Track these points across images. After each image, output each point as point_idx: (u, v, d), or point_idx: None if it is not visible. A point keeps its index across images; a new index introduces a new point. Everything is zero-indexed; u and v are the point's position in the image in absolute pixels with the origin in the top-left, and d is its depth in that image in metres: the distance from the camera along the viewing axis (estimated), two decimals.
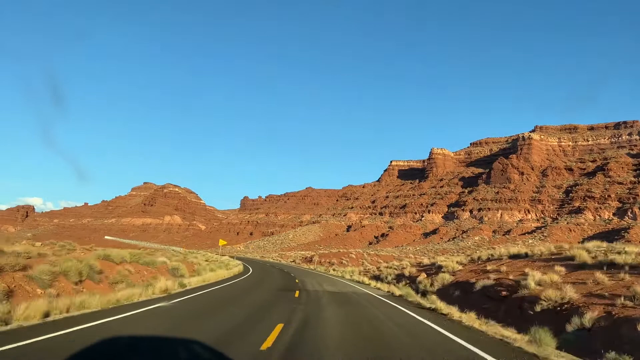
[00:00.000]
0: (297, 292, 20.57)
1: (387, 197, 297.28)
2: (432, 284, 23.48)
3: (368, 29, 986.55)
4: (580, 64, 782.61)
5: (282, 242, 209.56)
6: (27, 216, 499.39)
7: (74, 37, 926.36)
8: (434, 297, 18.67)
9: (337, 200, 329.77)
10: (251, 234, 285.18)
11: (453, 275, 23.83)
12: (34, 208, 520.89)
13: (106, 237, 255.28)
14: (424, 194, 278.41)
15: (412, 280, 28.66)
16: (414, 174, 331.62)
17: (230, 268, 40.02)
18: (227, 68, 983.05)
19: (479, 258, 28.65)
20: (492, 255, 28.73)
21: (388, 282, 30.81)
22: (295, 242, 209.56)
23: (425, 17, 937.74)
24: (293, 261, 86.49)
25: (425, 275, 27.59)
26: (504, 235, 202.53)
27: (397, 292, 21.74)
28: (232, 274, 35.15)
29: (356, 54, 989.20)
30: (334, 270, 55.06)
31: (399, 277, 31.93)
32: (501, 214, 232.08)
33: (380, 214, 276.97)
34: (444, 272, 24.95)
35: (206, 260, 57.34)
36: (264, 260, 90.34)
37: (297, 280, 30.75)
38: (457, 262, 26.92)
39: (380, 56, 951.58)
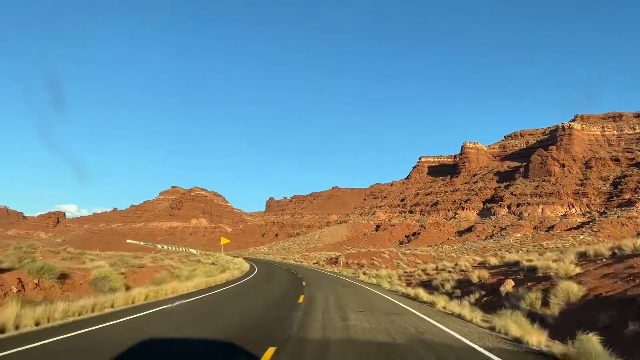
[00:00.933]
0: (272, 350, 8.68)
1: (417, 194, 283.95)
2: (545, 302, 12.93)
3: (391, 24, 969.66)
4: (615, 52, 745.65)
5: (307, 243, 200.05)
6: (58, 222, 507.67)
7: (95, 42, 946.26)
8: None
9: (364, 200, 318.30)
10: (276, 235, 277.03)
11: (579, 284, 13.22)
12: (64, 214, 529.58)
13: (128, 240, 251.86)
14: (456, 191, 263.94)
15: (488, 291, 18.19)
16: (445, 170, 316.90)
17: (224, 271, 30.52)
18: (255, 72, 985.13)
19: (597, 255, 17.93)
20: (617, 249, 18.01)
21: (449, 294, 20.26)
22: (321, 242, 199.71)
23: (451, 8, 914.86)
24: (316, 263, 76.41)
25: (513, 283, 17.04)
26: (547, 231, 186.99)
27: (514, 329, 11.16)
28: (215, 283, 25.27)
29: (381, 48, 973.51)
30: (364, 274, 44.51)
31: (462, 285, 21.37)
32: (542, 209, 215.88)
33: (411, 212, 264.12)
34: (556, 279, 14.34)
35: (212, 263, 48.35)
36: (283, 262, 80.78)
37: (301, 299, 19.39)
38: (570, 261, 16.17)
39: (407, 49, 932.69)
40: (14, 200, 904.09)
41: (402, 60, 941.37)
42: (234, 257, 65.42)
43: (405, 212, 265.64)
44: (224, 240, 42.66)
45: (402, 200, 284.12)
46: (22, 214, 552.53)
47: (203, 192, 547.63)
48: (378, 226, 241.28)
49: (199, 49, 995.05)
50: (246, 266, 51.79)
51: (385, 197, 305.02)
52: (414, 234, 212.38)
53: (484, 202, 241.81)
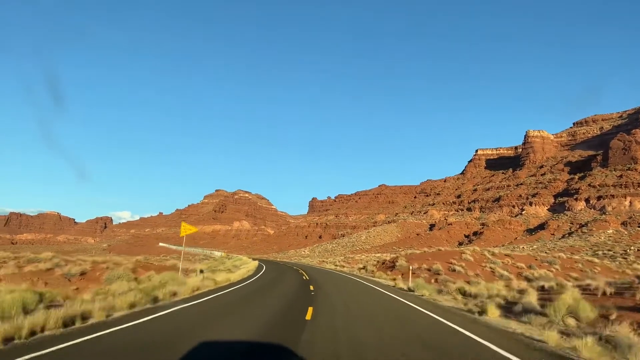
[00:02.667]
0: None
1: (475, 190, 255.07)
2: None
3: (441, 19, 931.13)
4: None
5: (353, 245, 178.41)
6: (105, 227, 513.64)
7: (132, 50, 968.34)
8: None
9: (414, 197, 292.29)
10: (320, 237, 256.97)
11: None
12: (111, 219, 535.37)
13: (160, 244, 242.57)
14: (521, 184, 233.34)
15: None
16: (505, 162, 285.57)
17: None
18: (295, 73, 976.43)
19: None
20: None
21: None
22: (368, 243, 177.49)
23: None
24: (363, 267, 55.11)
25: None
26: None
27: None
28: None
29: (433, 37, 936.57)
30: (461, 295, 22.25)
31: None
32: (630, 202, 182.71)
33: (469, 209, 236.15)
34: None
35: (200, 271, 29.50)
36: (318, 267, 60.70)
37: None
38: None
39: (461, 37, 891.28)
40: (70, 207, 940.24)
41: (459, 47, 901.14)
42: (259, 260, 45.63)
43: (462, 210, 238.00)
44: (185, 230, 21.95)
45: (458, 196, 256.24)
46: (74, 220, 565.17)
47: (247, 195, 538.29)
48: (432, 225, 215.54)
49: (233, 50, 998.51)
50: (247, 272, 32.19)
51: (438, 194, 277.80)
52: (475, 234, 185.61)
53: (556, 196, 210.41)
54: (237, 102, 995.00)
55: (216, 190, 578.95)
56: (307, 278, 34.67)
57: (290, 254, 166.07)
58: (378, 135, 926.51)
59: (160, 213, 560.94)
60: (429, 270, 36.97)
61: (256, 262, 62.07)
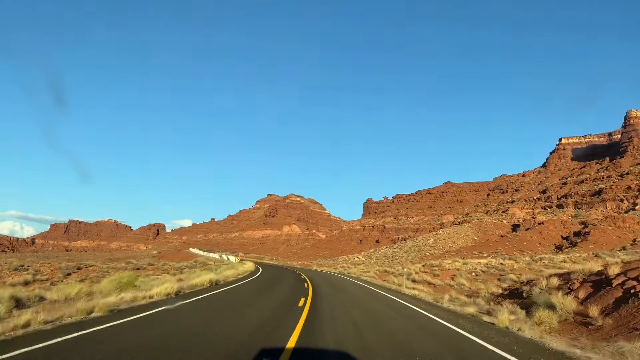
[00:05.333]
0: None
1: (565, 183, 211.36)
2: None
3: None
4: None
5: (418, 249, 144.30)
6: (157, 234, 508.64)
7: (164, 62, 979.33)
8: None
9: (487, 195, 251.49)
10: (377, 241, 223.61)
11: None
12: (164, 226, 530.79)
13: (190, 249, 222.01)
14: (626, 174, 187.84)
15: None
16: (597, 151, 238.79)
17: None
18: (352, 74, 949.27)
19: None
20: None
21: None
22: (438, 248, 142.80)
23: None
24: (492, 294, 22.99)
25: None
26: None
27: None
28: None
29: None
30: None
31: None
32: None
33: (559, 206, 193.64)
34: None
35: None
36: (379, 286, 30.43)
37: None
38: None
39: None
40: (132, 217, 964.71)
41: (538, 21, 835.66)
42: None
43: (550, 207, 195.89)
44: None
45: (543, 192, 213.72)
46: (130, 227, 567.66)
47: (298, 199, 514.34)
48: (516, 226, 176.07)
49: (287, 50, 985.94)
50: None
51: (516, 190, 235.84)
52: (576, 234, 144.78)
53: None
54: (291, 105, 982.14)
55: (268, 195, 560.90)
56: None
57: (341, 260, 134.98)
58: (436, 131, 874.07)
59: (213, 219, 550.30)
60: None
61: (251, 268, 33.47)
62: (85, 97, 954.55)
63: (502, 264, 68.05)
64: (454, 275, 43.05)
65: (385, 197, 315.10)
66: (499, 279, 42.68)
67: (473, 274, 45.76)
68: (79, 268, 69.62)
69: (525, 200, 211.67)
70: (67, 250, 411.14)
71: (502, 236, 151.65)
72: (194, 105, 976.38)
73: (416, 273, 40.02)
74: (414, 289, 28.30)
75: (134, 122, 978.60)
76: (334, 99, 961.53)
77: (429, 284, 33.22)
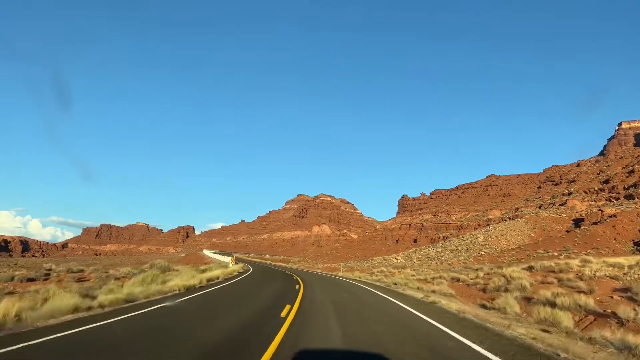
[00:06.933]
0: None
1: (632, 171, 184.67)
2: None
3: None
4: None
5: (467, 248, 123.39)
6: (187, 237, 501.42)
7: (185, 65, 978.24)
8: None
9: (538, 187, 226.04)
10: (415, 240, 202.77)
11: None
12: (193, 228, 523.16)
13: (204, 250, 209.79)
14: None
15: None
16: None
17: None
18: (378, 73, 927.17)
19: None
20: None
21: None
22: (491, 247, 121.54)
23: None
24: None
25: None
26: None
27: None
28: None
29: None
30: None
31: None
32: None
33: (628, 197, 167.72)
34: None
35: None
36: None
37: None
38: None
39: None
40: (163, 220, 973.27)
41: None
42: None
43: (617, 198, 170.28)
44: None
45: (606, 182, 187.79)
46: (161, 230, 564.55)
47: (329, 199, 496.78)
48: (578, 220, 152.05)
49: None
50: None
51: (572, 181, 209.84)
52: None
53: None
54: (317, 104, 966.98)
55: (298, 195, 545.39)
56: None
57: (376, 262, 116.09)
58: (478, 122, 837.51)
59: (242, 221, 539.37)
60: None
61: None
62: (117, 103, 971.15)
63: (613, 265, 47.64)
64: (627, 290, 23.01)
65: (422, 194, 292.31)
66: None
67: None
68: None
69: (585, 192, 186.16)
70: (96, 254, 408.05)
71: (567, 232, 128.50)
72: (227, 106, 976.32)
73: (531, 285, 21.52)
74: None
75: (167, 127, 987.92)
76: (364, 91, 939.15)
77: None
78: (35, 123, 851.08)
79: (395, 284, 31.80)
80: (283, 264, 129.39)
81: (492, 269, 43.11)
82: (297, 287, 27.36)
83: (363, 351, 8.68)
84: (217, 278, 29.51)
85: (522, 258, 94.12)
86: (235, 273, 38.14)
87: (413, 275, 41.27)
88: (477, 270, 41.57)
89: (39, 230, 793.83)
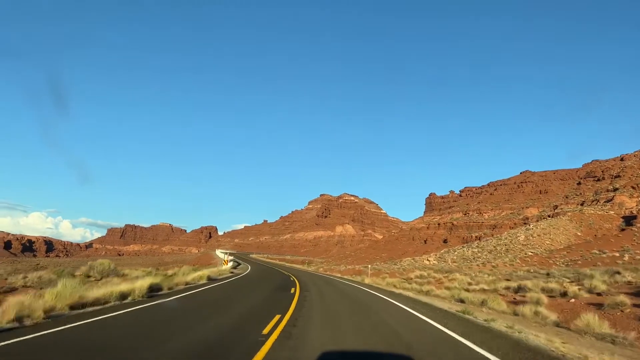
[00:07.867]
0: None
1: None
2: None
3: None
4: None
5: (507, 249, 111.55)
6: (210, 237, 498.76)
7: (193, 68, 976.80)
8: None
9: (578, 184, 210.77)
10: (445, 241, 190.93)
11: None
12: (216, 229, 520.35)
13: (216, 250, 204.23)
14: None
15: None
16: None
17: None
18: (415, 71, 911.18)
19: None
20: None
21: None
22: (534, 247, 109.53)
23: None
24: None
25: None
26: None
27: None
28: None
29: None
30: None
31: None
32: None
33: None
34: None
35: None
36: None
37: None
38: None
39: None
40: (188, 221, 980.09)
41: None
42: None
43: None
44: None
45: None
46: (185, 230, 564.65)
47: (352, 198, 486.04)
48: (629, 217, 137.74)
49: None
50: None
51: (616, 176, 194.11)
52: None
53: None
54: (345, 102, 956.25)
55: (321, 195, 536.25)
56: None
57: (406, 264, 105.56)
58: (512, 116, 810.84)
59: (265, 221, 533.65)
60: None
61: None
62: (141, 106, 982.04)
63: None
64: None
65: (451, 192, 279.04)
66: None
67: None
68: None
69: (633, 187, 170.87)
70: (119, 255, 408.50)
71: (622, 230, 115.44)
72: (248, 107, 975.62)
73: None
74: None
75: (190, 130, 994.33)
76: (388, 90, 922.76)
77: None
78: (71, 128, 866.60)
79: (464, 301, 21.57)
80: (299, 266, 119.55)
81: (573, 274, 32.64)
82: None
83: None
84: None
85: (576, 259, 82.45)
86: (206, 280, 28.94)
87: (470, 284, 31.01)
88: (557, 277, 31.19)
89: (69, 231, 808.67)
